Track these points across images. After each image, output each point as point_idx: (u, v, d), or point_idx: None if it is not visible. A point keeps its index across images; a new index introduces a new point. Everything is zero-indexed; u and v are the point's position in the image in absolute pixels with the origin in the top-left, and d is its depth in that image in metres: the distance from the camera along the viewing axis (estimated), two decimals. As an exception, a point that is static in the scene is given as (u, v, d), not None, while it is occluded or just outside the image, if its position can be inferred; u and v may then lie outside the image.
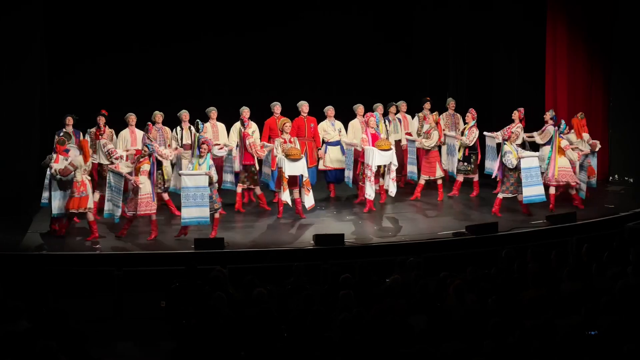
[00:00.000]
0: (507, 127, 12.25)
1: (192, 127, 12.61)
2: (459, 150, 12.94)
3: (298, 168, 11.63)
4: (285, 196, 11.59)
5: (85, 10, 14.41)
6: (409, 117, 13.78)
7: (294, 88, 14.54)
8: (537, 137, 12.91)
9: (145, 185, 10.77)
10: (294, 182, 11.71)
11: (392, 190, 12.17)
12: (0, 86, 11.89)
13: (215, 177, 10.76)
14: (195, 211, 10.59)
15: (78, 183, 10.79)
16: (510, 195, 11.78)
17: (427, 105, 13.74)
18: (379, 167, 12.08)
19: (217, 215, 10.88)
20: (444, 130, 13.25)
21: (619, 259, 8.14)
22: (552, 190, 12.03)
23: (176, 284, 8.15)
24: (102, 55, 14.63)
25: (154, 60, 14.98)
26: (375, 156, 11.85)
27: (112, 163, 11.14)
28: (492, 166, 13.02)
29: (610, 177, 14.36)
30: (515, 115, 12.90)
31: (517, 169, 11.57)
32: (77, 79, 14.43)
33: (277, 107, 12.81)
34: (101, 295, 9.45)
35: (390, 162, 12.04)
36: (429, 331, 6.35)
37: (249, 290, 7.48)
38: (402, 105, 13.68)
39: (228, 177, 12.41)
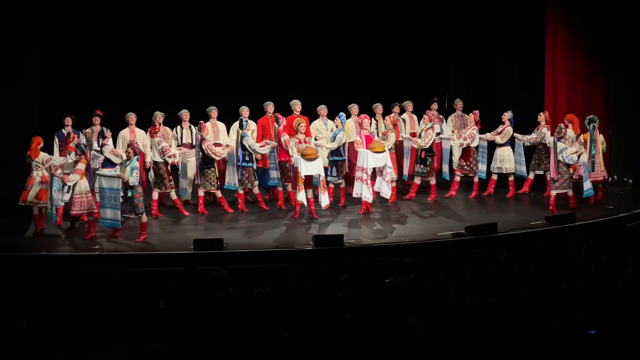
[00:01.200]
0: (561, 125, 12.32)
1: (192, 127, 12.67)
2: (417, 153, 12.97)
3: (314, 168, 11.67)
4: (301, 196, 11.62)
5: (85, 12, 14.44)
6: (415, 117, 13.77)
7: (294, 90, 14.51)
8: (498, 138, 13.08)
9: (80, 184, 10.84)
10: (310, 182, 11.75)
11: (387, 192, 12.18)
12: (1, 89, 11.93)
13: (132, 181, 10.62)
14: (109, 212, 10.68)
15: (29, 177, 11.12)
16: (563, 191, 12.04)
17: (435, 105, 13.73)
18: (374, 168, 12.08)
19: (144, 219, 10.89)
20: (453, 131, 13.44)
21: (618, 259, 8.14)
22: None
23: (176, 285, 8.14)
24: (102, 56, 14.67)
25: (154, 61, 15.02)
26: (369, 158, 11.86)
27: (165, 162, 11.77)
28: (447, 169, 13.21)
29: (610, 178, 14.37)
30: (471, 117, 13.14)
31: (569, 165, 11.95)
32: (77, 80, 14.47)
33: (269, 107, 12.89)
34: (101, 296, 9.45)
35: (385, 165, 12.05)
36: (429, 331, 6.34)
37: (249, 290, 7.48)
38: (409, 105, 13.67)
39: (274, 174, 12.44)
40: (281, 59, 15.52)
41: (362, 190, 11.94)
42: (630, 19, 13.90)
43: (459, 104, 13.87)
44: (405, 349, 5.95)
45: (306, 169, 11.61)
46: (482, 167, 13.22)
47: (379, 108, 13.32)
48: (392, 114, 13.22)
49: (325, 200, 11.77)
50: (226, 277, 8.04)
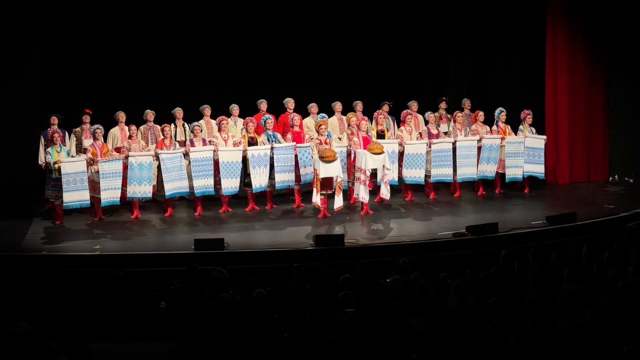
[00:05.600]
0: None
1: (186, 124, 12.69)
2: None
3: (332, 170, 11.63)
4: (317, 198, 11.65)
5: (85, 12, 14.44)
6: (420, 117, 13.72)
7: (293, 89, 14.45)
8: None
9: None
10: (328, 183, 11.73)
11: (386, 194, 12.17)
12: (2, 89, 11.95)
13: None
14: (76, 195, 11.29)
15: None
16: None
17: (443, 105, 13.69)
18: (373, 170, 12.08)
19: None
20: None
21: (619, 259, 8.15)
22: None
23: (176, 285, 8.14)
24: (104, 56, 14.64)
25: (154, 60, 14.96)
26: (367, 159, 11.86)
27: None
28: (493, 169, 13.13)
29: (610, 178, 14.39)
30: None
31: None
32: (78, 80, 14.45)
33: (262, 105, 13.01)
34: (102, 296, 9.46)
35: (383, 166, 12.04)
36: (429, 332, 6.35)
37: (249, 291, 7.48)
38: (413, 104, 13.61)
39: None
40: (280, 58, 15.45)
41: (360, 191, 11.95)
42: (631, 19, 13.89)
43: (466, 103, 13.81)
44: (405, 349, 5.94)
45: (324, 171, 11.56)
46: (491, 167, 13.14)
47: (358, 105, 13.31)
48: (351, 113, 13.17)
49: (338, 202, 11.78)
50: (227, 277, 8.05)
